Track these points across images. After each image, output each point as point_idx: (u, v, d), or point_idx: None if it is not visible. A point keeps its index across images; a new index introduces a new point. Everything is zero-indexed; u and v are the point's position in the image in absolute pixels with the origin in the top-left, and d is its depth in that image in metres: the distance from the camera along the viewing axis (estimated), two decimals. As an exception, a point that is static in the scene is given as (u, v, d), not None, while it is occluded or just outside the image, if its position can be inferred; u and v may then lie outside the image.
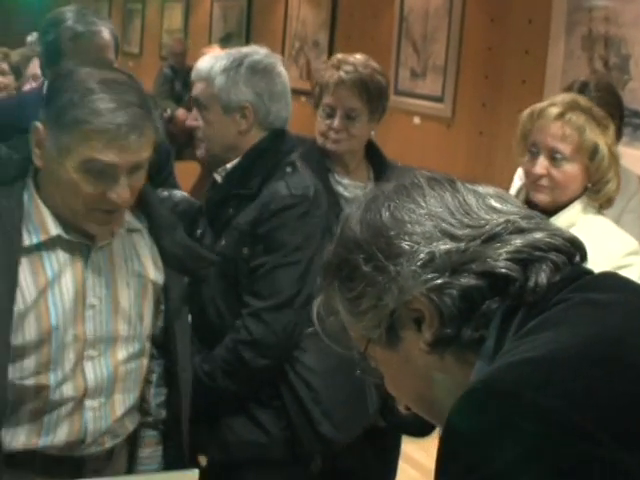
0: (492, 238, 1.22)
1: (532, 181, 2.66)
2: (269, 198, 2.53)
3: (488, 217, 1.24)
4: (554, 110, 2.61)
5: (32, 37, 6.44)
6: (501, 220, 1.24)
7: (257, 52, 2.69)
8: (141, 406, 2.24)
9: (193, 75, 2.71)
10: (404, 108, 6.30)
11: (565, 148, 2.60)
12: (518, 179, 3.66)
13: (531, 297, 1.19)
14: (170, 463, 2.21)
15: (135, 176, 2.03)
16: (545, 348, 1.09)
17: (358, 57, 3.14)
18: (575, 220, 2.66)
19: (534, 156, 2.65)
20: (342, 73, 3.03)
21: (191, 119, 2.73)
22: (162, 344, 2.27)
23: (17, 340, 2.02)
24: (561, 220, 2.64)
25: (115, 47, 3.30)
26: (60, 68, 2.10)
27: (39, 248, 2.06)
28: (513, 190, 3.04)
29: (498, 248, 1.21)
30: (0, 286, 1.99)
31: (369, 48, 6.84)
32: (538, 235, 1.23)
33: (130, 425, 2.20)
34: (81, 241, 2.09)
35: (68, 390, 2.07)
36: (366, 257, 1.25)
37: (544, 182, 2.63)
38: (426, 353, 1.23)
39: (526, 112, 2.71)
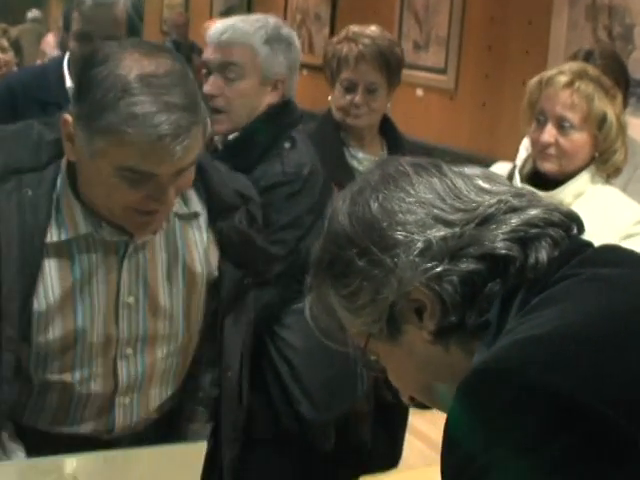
0: (487, 220, 1.20)
1: (539, 150, 2.65)
2: (261, 174, 2.47)
3: (479, 199, 1.22)
4: (563, 78, 2.60)
5: (32, 13, 6.43)
6: (493, 201, 1.22)
7: (280, 23, 2.64)
8: (190, 382, 2.15)
9: (220, 38, 2.56)
10: (407, 80, 6.22)
11: (573, 117, 2.59)
12: (524, 150, 3.65)
13: (532, 274, 1.18)
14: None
15: (181, 178, 1.82)
16: (550, 325, 1.08)
17: (373, 29, 3.11)
18: (583, 190, 2.65)
19: (541, 124, 2.64)
20: (361, 47, 3.00)
21: (213, 87, 2.56)
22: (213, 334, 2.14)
23: (40, 338, 1.92)
24: (569, 190, 2.64)
25: (128, 20, 3.31)
26: (94, 51, 1.82)
27: (69, 244, 1.91)
28: (519, 161, 3.03)
29: (494, 229, 1.19)
30: (17, 284, 1.87)
31: (371, 20, 6.78)
32: (533, 212, 1.22)
33: (167, 407, 2.13)
34: (116, 239, 1.93)
35: (96, 387, 2.00)
36: (359, 251, 1.23)
37: (552, 151, 2.62)
38: (430, 343, 1.22)
39: (534, 80, 2.69)
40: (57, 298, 1.90)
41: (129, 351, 2.00)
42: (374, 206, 1.24)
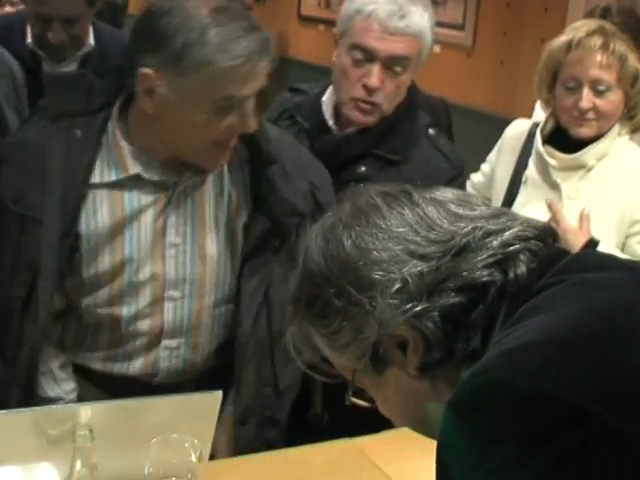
0: (463, 249, 1.19)
1: (577, 116, 2.61)
2: (428, 171, 2.39)
3: (453, 228, 1.21)
4: (596, 40, 2.56)
5: None
6: (468, 229, 1.20)
7: None
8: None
9: (395, 24, 2.33)
10: (424, 37, 6.21)
11: (609, 78, 2.55)
12: (540, 110, 3.63)
13: (513, 288, 1.17)
14: None
15: (252, 101, 1.98)
16: (536, 332, 1.07)
17: None
18: (607, 151, 2.63)
19: (573, 90, 2.60)
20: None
21: (378, 81, 2.37)
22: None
23: (90, 270, 2.05)
24: (593, 152, 2.62)
25: None
26: (149, 10, 1.94)
27: (121, 184, 2.04)
28: (535, 118, 3.00)
29: (471, 258, 1.18)
30: (58, 216, 1.98)
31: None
32: (507, 233, 1.20)
33: (214, 361, 2.19)
34: (165, 179, 2.05)
35: (143, 325, 2.09)
36: (337, 292, 1.21)
37: (590, 115, 2.59)
38: (416, 378, 1.21)
39: (558, 43, 2.64)
40: (106, 231, 2.02)
41: (177, 293, 2.09)
42: (347, 244, 1.22)
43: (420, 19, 2.36)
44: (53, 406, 1.87)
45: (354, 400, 1.34)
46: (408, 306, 1.17)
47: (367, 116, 2.42)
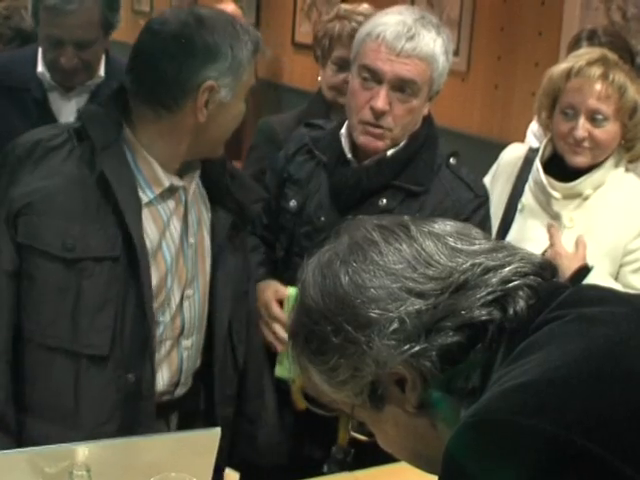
0: (461, 287, 1.18)
1: (572, 144, 2.61)
2: (450, 202, 2.39)
3: (452, 264, 1.20)
4: (595, 70, 2.55)
5: None
6: (467, 265, 1.19)
7: (436, 18, 2.45)
8: None
9: (403, 46, 2.32)
10: (418, 62, 6.23)
11: (607, 109, 2.55)
12: (531, 134, 3.63)
13: (512, 325, 1.16)
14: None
15: None
16: (536, 370, 1.06)
17: (365, 6, 3.12)
18: (604, 180, 2.63)
19: (571, 118, 2.60)
20: (354, 24, 2.99)
21: (385, 104, 2.35)
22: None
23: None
24: (590, 181, 2.61)
25: (103, 19, 3.17)
26: (169, 24, 2.10)
27: (155, 199, 2.13)
28: (526, 146, 2.99)
29: (470, 296, 1.17)
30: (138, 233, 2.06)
31: (383, 2, 6.75)
32: (507, 269, 1.19)
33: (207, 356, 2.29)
34: (180, 184, 2.17)
35: (168, 330, 2.14)
36: (334, 329, 1.20)
37: (586, 144, 2.58)
38: (414, 416, 1.20)
39: (558, 70, 2.63)
40: (154, 248, 2.11)
41: (190, 291, 2.18)
42: (344, 280, 1.21)
43: (431, 42, 2.34)
44: (50, 445, 1.84)
45: (354, 434, 1.33)
46: (406, 347, 1.16)
47: (377, 140, 2.39)
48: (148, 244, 2.08)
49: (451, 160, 2.49)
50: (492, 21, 5.64)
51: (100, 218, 2.03)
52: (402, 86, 2.34)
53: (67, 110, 3.23)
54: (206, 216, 2.23)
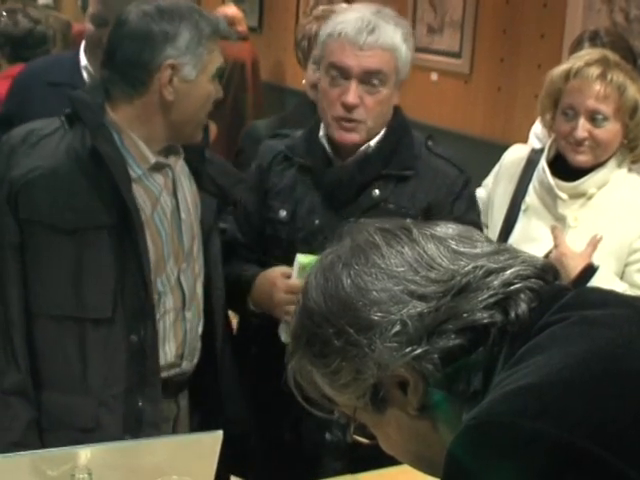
0: (463, 289, 1.17)
1: (573, 143, 2.61)
2: (441, 181, 2.47)
3: (454, 267, 1.19)
4: (594, 70, 2.55)
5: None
6: (469, 268, 1.19)
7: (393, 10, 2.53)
8: None
9: (364, 40, 2.37)
10: (421, 64, 6.22)
11: (607, 109, 2.55)
12: (534, 136, 3.62)
13: (514, 328, 1.16)
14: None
15: None
16: (538, 373, 1.06)
17: (343, 6, 3.15)
18: (607, 179, 2.63)
19: (571, 118, 2.60)
20: None
21: (355, 97, 2.39)
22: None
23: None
24: (593, 180, 2.61)
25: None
26: (129, 14, 2.27)
27: (145, 175, 2.25)
28: (529, 147, 2.99)
29: (472, 299, 1.17)
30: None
31: (386, 3, 6.74)
32: (508, 272, 1.19)
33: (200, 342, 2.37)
34: (166, 162, 2.29)
35: (169, 301, 2.25)
36: (336, 332, 1.20)
37: (587, 144, 2.58)
38: (416, 418, 1.20)
39: (558, 71, 2.64)
40: (148, 220, 2.22)
41: (184, 265, 2.30)
42: (347, 283, 1.21)
43: (392, 34, 2.39)
44: (52, 448, 1.84)
45: (355, 437, 1.33)
46: (407, 349, 1.16)
47: (351, 133, 2.43)
48: (142, 216, 2.20)
49: (429, 142, 2.55)
50: (495, 23, 5.64)
51: (96, 190, 2.16)
52: (370, 78, 2.38)
53: None
54: (192, 196, 2.36)
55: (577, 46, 3.51)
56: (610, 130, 2.57)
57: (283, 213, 2.48)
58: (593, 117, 2.56)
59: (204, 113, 2.31)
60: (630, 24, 4.75)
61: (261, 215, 2.53)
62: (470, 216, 2.48)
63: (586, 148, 2.59)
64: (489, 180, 2.92)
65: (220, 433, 1.86)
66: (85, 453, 1.76)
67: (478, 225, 2.52)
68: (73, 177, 2.16)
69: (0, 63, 4.34)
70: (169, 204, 2.28)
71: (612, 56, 2.63)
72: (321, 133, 2.51)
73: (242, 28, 7.77)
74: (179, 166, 2.34)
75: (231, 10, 7.82)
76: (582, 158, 2.61)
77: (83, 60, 3.38)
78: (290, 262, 2.39)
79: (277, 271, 2.42)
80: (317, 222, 2.45)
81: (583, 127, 2.56)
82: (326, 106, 2.44)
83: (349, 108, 2.39)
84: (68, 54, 3.58)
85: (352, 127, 2.42)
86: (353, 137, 2.43)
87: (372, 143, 2.45)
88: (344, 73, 2.39)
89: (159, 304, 2.23)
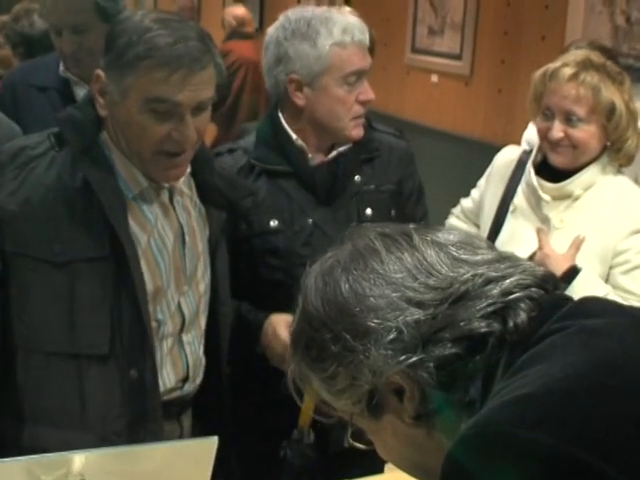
0: (461, 298, 1.17)
1: (550, 144, 2.62)
2: (397, 154, 2.64)
3: (453, 274, 1.19)
4: (567, 71, 2.56)
5: (22, 5, 6.27)
6: (468, 275, 1.18)
7: None
8: None
9: (363, 38, 2.47)
10: (422, 66, 6.23)
11: (580, 110, 2.55)
12: (525, 142, 3.63)
13: (513, 337, 1.15)
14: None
15: (200, 117, 2.05)
16: (537, 383, 1.05)
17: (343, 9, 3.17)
18: (594, 180, 2.62)
19: (549, 119, 2.61)
20: None
21: (371, 93, 2.52)
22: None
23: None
24: (579, 181, 2.61)
25: (96, 4, 3.27)
26: (117, 17, 2.17)
27: (136, 200, 2.11)
28: (520, 149, 2.98)
29: (469, 307, 1.16)
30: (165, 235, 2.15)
31: (386, 6, 6.75)
32: (508, 281, 1.18)
33: (204, 359, 2.29)
34: (163, 185, 2.15)
35: (168, 328, 2.16)
36: (333, 337, 1.20)
37: (563, 144, 2.59)
38: (412, 426, 1.19)
39: (538, 73, 2.66)
40: (143, 247, 2.10)
41: (186, 288, 2.20)
42: (345, 288, 1.21)
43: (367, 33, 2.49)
44: (46, 454, 1.83)
45: (352, 442, 1.32)
46: (402, 357, 1.15)
47: (358, 130, 2.52)
48: (137, 247, 2.09)
49: (372, 123, 2.64)
50: (496, 25, 5.64)
51: (86, 220, 2.04)
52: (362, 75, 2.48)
53: None
54: (196, 214, 2.25)
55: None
56: (586, 130, 2.57)
57: (274, 222, 2.46)
58: (568, 118, 2.57)
59: (144, 149, 2.07)
60: (631, 26, 4.74)
61: (241, 234, 2.50)
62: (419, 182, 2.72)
63: (563, 149, 2.60)
64: (482, 181, 2.93)
65: (215, 439, 1.84)
66: (79, 458, 1.74)
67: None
68: (62, 207, 2.04)
69: (13, 63, 4.36)
70: (168, 231, 2.17)
71: (596, 57, 2.63)
72: (294, 136, 2.51)
73: (251, 29, 7.80)
74: (181, 185, 2.22)
75: (240, 10, 7.85)
76: (560, 159, 2.62)
77: (61, 67, 3.40)
78: (289, 270, 2.40)
79: (281, 321, 2.39)
80: (310, 221, 2.46)
81: (558, 128, 2.58)
82: (342, 110, 2.47)
83: (366, 104, 2.49)
84: (52, 56, 3.58)
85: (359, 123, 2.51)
86: (362, 131, 2.53)
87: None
88: (360, 75, 2.47)
89: (157, 331, 2.15)
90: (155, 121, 2.00)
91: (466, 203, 2.96)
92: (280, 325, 2.38)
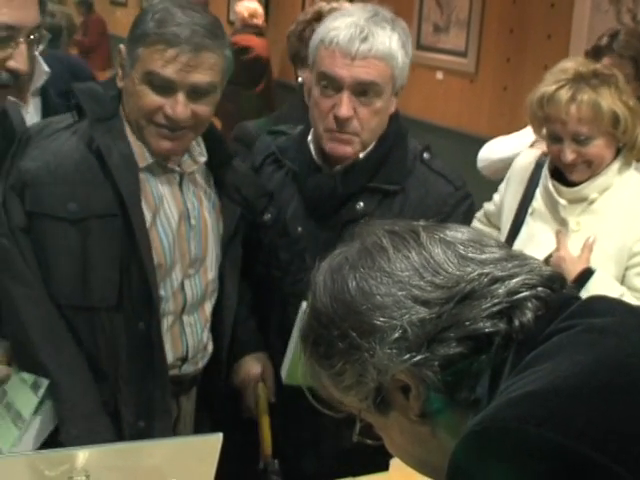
0: (467, 297, 1.16)
1: (565, 166, 2.63)
2: (431, 199, 2.32)
3: (459, 273, 1.18)
4: (563, 94, 2.56)
5: None
6: (474, 274, 1.17)
7: (391, 12, 2.33)
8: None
9: (358, 48, 2.21)
10: (427, 63, 6.22)
11: (585, 129, 2.56)
12: (526, 152, 3.64)
13: (520, 336, 1.14)
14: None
15: (200, 101, 2.14)
16: (545, 380, 1.04)
17: (335, 5, 3.11)
18: (610, 183, 2.63)
19: (557, 142, 2.61)
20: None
21: (349, 110, 2.24)
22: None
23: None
24: (595, 185, 2.62)
25: None
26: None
27: (144, 173, 2.22)
28: (538, 152, 2.98)
29: (475, 307, 1.15)
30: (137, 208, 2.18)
31: (391, 2, 6.74)
32: (514, 281, 1.18)
33: (210, 346, 2.37)
34: (173, 168, 2.24)
35: (170, 305, 2.24)
36: (340, 334, 1.20)
37: (579, 162, 2.60)
38: (417, 424, 1.19)
39: (534, 98, 2.65)
40: (149, 221, 2.20)
41: (192, 271, 2.28)
42: (352, 286, 1.21)
43: (386, 40, 2.23)
44: (50, 450, 1.83)
45: (361, 438, 1.32)
46: (407, 356, 1.15)
47: (345, 146, 2.28)
48: (144, 212, 2.19)
49: (425, 155, 2.38)
50: (501, 23, 5.63)
51: (99, 183, 2.16)
52: (364, 89, 2.23)
53: (28, 117, 3.15)
54: (209, 206, 2.32)
55: (595, 54, 3.48)
56: (596, 145, 2.58)
57: (268, 216, 2.41)
58: (576, 139, 2.57)
59: (143, 117, 2.18)
60: (637, 25, 4.73)
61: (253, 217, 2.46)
62: None
63: (579, 167, 2.61)
64: (502, 185, 2.95)
65: (220, 435, 1.84)
66: (83, 454, 1.74)
67: None
68: (78, 171, 2.17)
69: None
70: (174, 212, 2.24)
71: (584, 67, 2.61)
72: (309, 137, 2.40)
73: (262, 23, 7.83)
74: (195, 171, 2.29)
75: (252, 4, 7.88)
76: (578, 175, 2.64)
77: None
78: (268, 265, 2.43)
79: (253, 372, 2.42)
80: (299, 229, 2.36)
81: (569, 150, 2.58)
82: (317, 117, 2.30)
83: (342, 121, 2.25)
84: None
85: (346, 139, 2.28)
86: (346, 150, 2.29)
87: (361, 154, 2.33)
88: (335, 84, 2.24)
89: (159, 307, 2.22)
90: (150, 93, 2.13)
91: (488, 206, 2.99)
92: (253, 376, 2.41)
